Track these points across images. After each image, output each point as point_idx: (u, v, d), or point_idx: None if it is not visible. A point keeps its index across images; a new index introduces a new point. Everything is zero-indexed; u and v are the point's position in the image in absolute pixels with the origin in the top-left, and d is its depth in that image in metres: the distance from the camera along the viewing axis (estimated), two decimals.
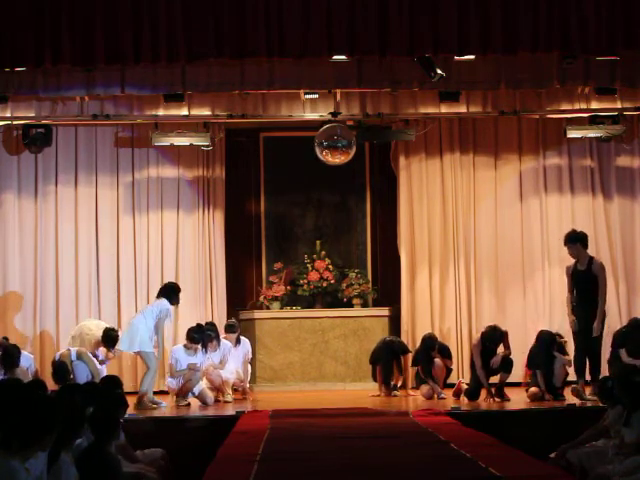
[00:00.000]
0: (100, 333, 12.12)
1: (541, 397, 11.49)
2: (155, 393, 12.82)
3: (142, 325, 11.67)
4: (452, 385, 12.47)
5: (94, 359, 12.01)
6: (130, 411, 8.97)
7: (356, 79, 11.81)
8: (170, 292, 11.98)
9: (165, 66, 11.15)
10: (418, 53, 10.63)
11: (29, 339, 13.58)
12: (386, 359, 12.77)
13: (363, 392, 13.05)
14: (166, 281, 13.67)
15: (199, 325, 12.35)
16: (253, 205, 14.66)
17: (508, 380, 11.97)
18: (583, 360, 11.46)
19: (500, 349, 11.93)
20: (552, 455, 8.13)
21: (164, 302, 11.83)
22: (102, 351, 12.14)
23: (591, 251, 13.89)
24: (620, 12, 10.37)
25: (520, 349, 12.38)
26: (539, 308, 13.89)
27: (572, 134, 13.33)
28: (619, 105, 13.00)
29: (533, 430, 9.96)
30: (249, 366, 13.00)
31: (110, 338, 12.10)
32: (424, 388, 12.37)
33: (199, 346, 12.02)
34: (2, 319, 13.64)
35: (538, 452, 8.03)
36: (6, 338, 11.97)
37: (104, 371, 11.91)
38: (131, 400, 9.86)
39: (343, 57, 10.96)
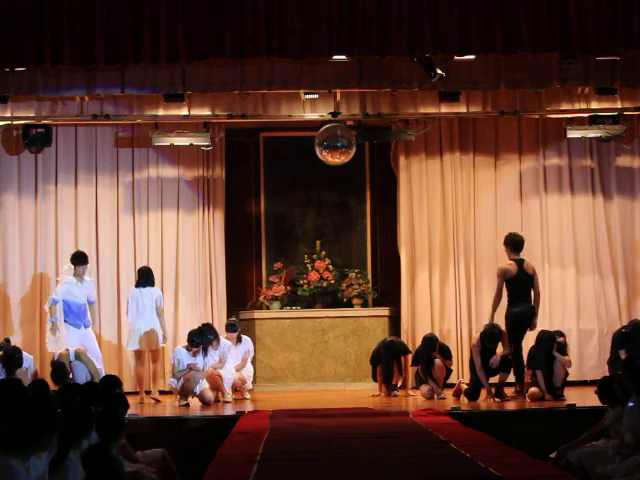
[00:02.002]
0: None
1: (541, 397, 11.50)
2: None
3: (158, 323, 12.41)
4: (452, 385, 12.47)
5: (93, 359, 12.02)
6: (131, 411, 8.96)
7: (356, 79, 11.80)
8: (153, 277, 12.64)
9: (165, 66, 11.14)
10: (418, 53, 10.62)
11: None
12: (386, 359, 12.77)
13: (363, 392, 13.06)
14: (165, 281, 13.75)
15: (199, 329, 12.33)
16: (253, 205, 14.65)
17: (508, 380, 11.98)
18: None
19: (499, 349, 11.94)
20: (552, 455, 8.13)
21: (155, 290, 12.58)
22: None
23: (591, 251, 14.00)
24: (620, 12, 10.37)
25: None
26: (539, 308, 13.85)
27: (572, 134, 13.33)
28: (619, 105, 13.00)
29: (533, 430, 9.96)
30: (251, 365, 13.00)
31: (76, 256, 12.50)
32: (424, 388, 12.36)
33: (200, 349, 12.03)
34: (3, 319, 13.63)
35: (538, 452, 8.04)
36: (7, 340, 11.97)
37: (103, 371, 11.92)
38: (131, 400, 9.85)
39: (343, 57, 10.96)
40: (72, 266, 12.44)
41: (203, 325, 12.67)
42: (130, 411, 8.46)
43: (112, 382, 8.40)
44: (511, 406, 11.35)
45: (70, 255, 12.66)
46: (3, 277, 13.74)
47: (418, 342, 13.00)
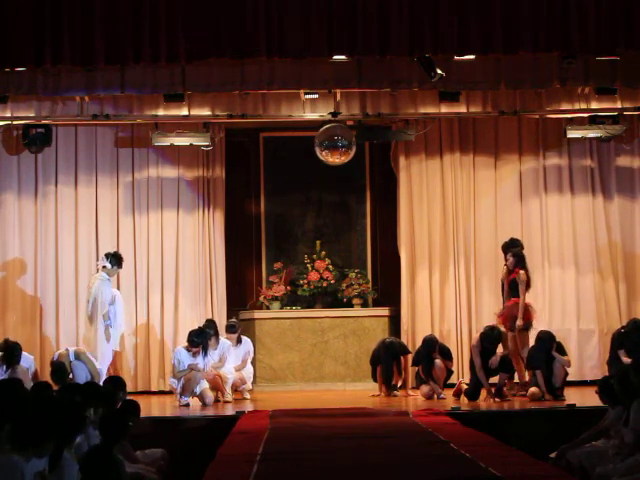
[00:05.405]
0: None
1: (541, 397, 11.51)
2: (155, 393, 12.87)
3: None
4: (452, 385, 12.47)
5: (92, 359, 12.02)
6: None
7: (356, 79, 11.81)
8: None
9: (165, 66, 11.15)
10: (418, 53, 10.63)
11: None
12: (386, 360, 12.76)
13: (363, 392, 13.06)
14: (165, 281, 13.74)
15: (200, 329, 12.31)
16: (253, 205, 14.65)
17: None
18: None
19: (499, 349, 11.94)
20: (552, 455, 8.14)
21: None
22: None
23: (591, 251, 14.00)
24: (620, 12, 10.38)
25: None
26: (539, 308, 13.83)
27: (572, 134, 13.34)
28: (619, 105, 13.01)
29: (533, 430, 9.96)
30: (251, 366, 13.00)
31: (119, 257, 12.74)
32: (424, 388, 12.36)
33: (200, 349, 12.02)
34: (2, 319, 13.63)
35: (538, 452, 8.04)
36: (7, 340, 11.95)
37: (104, 372, 11.91)
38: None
39: (343, 57, 10.97)
40: (111, 266, 12.46)
41: (206, 321, 12.69)
42: None
43: (117, 383, 8.38)
44: (511, 406, 11.35)
45: (110, 254, 12.72)
46: (3, 277, 13.74)
47: (418, 342, 13.00)
